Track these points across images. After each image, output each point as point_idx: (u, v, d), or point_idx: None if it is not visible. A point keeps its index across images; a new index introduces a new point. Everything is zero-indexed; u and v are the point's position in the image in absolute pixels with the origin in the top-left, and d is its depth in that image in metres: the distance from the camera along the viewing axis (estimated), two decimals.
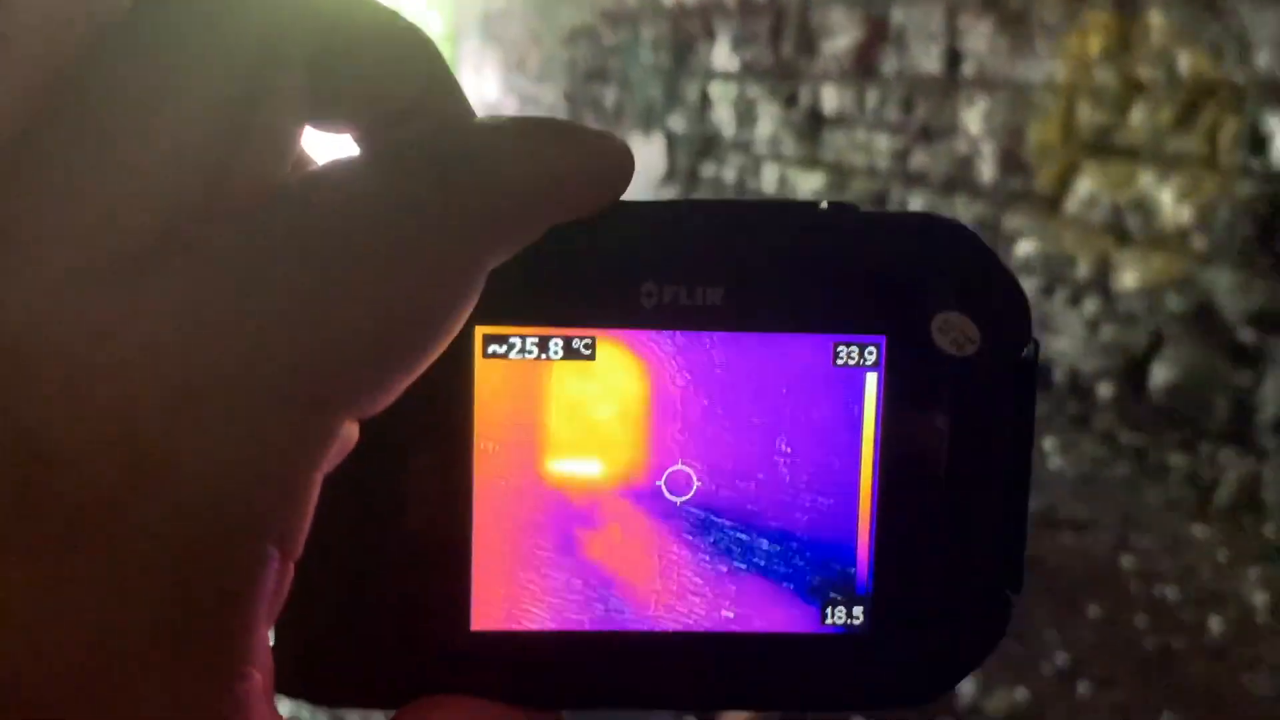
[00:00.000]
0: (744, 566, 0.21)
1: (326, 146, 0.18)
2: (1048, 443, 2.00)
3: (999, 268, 0.21)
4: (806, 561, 0.21)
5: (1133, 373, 2.02)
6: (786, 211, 0.21)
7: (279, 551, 0.16)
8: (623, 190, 0.19)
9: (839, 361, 0.21)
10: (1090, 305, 2.08)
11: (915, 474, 0.21)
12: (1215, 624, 1.67)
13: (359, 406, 0.16)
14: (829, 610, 0.21)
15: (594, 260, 0.21)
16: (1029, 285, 2.18)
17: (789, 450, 0.21)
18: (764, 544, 0.21)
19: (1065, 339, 2.13)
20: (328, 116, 0.17)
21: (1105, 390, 2.06)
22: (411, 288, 0.16)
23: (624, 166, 0.19)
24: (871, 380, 0.21)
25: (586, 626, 0.21)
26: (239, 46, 0.16)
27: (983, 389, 0.21)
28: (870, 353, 0.21)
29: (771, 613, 0.21)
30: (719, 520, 0.21)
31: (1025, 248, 2.21)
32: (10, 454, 0.14)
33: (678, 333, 0.21)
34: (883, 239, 0.21)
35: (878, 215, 0.21)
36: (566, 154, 0.18)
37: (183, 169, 0.15)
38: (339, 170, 0.17)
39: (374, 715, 0.23)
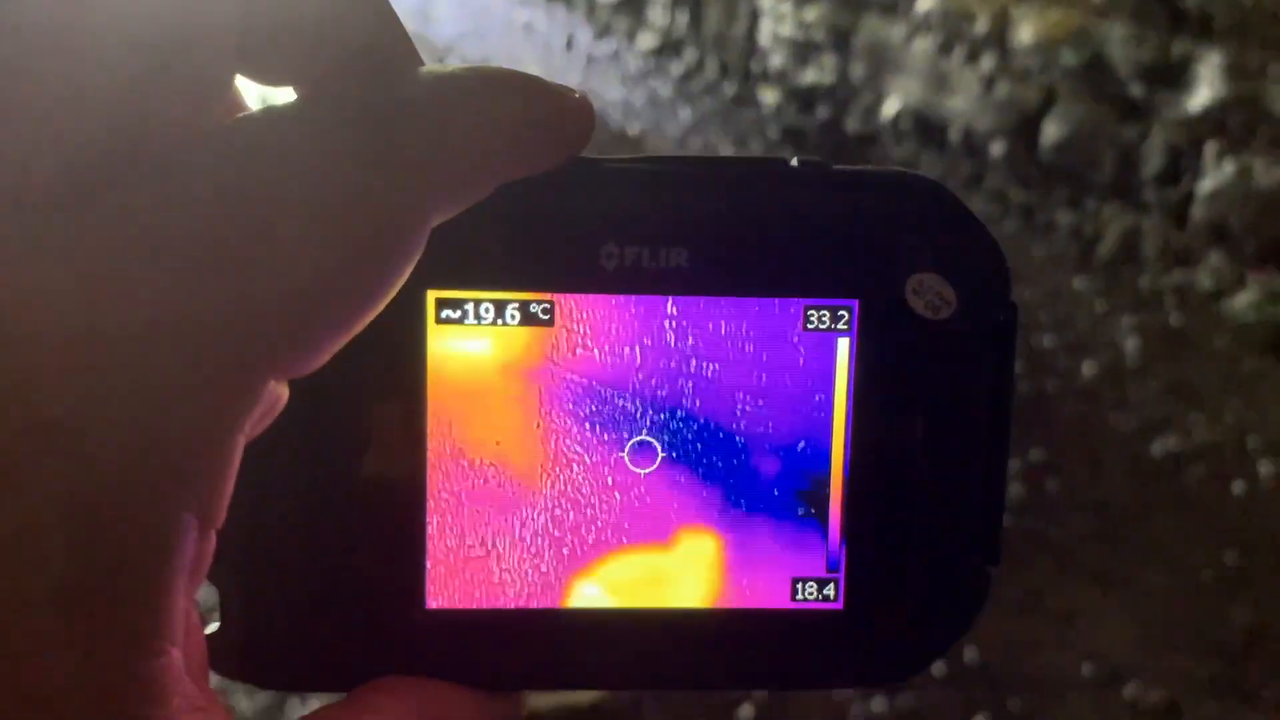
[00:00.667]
0: (710, 541, 0.21)
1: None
2: None
3: (976, 227, 0.20)
4: (776, 536, 0.21)
5: (1025, 130, 2.04)
6: (755, 168, 0.20)
7: (196, 519, 0.15)
8: (582, 146, 0.18)
9: (810, 326, 0.20)
10: (987, 62, 2.07)
11: (889, 443, 0.20)
12: (1088, 368, 1.77)
13: (284, 366, 0.15)
14: (799, 586, 0.21)
15: (552, 220, 0.19)
16: (928, 44, 2.15)
17: (757, 419, 0.20)
18: (731, 517, 0.21)
19: (961, 98, 2.12)
20: (262, 66, 0.16)
21: (998, 148, 2.08)
22: (344, 243, 0.15)
23: (583, 121, 0.18)
24: (844, 345, 0.20)
25: (547, 604, 0.20)
26: None
27: (959, 354, 0.20)
28: (842, 316, 0.20)
29: (741, 589, 0.21)
30: (684, 493, 0.20)
31: (925, 3, 2.16)
32: None
33: (640, 296, 0.20)
34: (855, 197, 0.20)
35: (850, 172, 0.20)
36: (520, 106, 0.17)
37: (96, 113, 0.14)
38: (270, 117, 0.16)
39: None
